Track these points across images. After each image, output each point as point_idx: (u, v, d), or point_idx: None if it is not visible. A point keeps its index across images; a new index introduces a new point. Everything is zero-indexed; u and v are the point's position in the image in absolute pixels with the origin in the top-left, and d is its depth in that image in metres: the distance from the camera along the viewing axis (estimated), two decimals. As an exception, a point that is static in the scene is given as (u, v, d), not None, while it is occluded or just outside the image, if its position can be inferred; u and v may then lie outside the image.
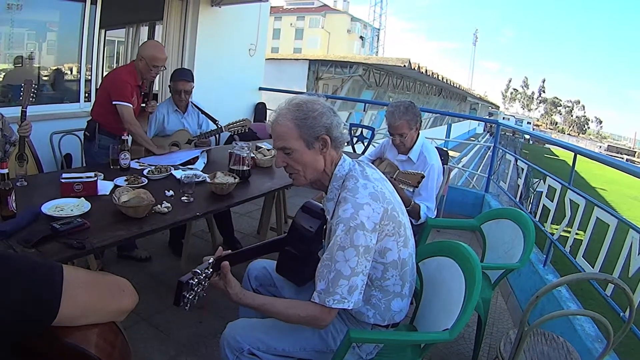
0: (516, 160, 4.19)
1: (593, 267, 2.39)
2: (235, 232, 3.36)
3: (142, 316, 2.34)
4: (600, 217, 2.41)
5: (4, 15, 3.71)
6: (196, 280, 1.26)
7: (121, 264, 2.90)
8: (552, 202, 3.07)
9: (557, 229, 2.87)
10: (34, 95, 2.34)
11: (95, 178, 1.98)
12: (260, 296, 1.39)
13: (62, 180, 1.91)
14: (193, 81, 3.12)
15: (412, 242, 1.45)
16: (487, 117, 35.75)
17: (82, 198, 1.82)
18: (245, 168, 2.50)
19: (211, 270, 1.32)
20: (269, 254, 1.65)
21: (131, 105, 2.67)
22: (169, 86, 3.12)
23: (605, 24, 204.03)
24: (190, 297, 1.26)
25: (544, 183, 3.25)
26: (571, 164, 2.94)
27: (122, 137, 2.45)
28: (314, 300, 1.27)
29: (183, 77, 3.07)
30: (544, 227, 3.01)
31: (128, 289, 0.87)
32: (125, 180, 2.18)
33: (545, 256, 2.91)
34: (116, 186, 2.07)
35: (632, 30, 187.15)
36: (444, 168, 3.35)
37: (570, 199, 2.79)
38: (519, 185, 4.09)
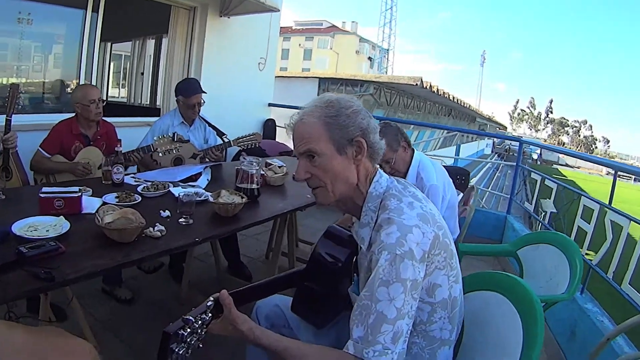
0: (543, 179, 3.96)
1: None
2: (242, 255, 3.10)
3: (138, 351, 2.07)
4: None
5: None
6: (189, 329, 0.97)
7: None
8: (590, 224, 2.89)
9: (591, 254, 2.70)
10: (20, 102, 2.15)
11: (80, 194, 1.73)
12: (284, 338, 1.05)
13: (41, 195, 1.67)
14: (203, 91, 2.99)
15: (461, 276, 1.17)
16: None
17: (62, 217, 1.56)
18: (254, 186, 2.23)
19: (210, 315, 1.03)
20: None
21: (45, 153, 2.53)
22: (177, 100, 2.98)
23: (611, 44, 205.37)
24: (181, 351, 0.95)
25: (579, 203, 3.09)
26: (611, 185, 2.83)
27: (116, 149, 2.22)
28: (348, 352, 0.96)
29: (197, 91, 2.95)
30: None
31: (81, 355, 0.61)
32: (116, 197, 1.93)
33: (582, 283, 2.66)
34: (104, 204, 1.82)
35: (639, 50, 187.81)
36: (468, 188, 3.10)
37: (610, 220, 2.62)
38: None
